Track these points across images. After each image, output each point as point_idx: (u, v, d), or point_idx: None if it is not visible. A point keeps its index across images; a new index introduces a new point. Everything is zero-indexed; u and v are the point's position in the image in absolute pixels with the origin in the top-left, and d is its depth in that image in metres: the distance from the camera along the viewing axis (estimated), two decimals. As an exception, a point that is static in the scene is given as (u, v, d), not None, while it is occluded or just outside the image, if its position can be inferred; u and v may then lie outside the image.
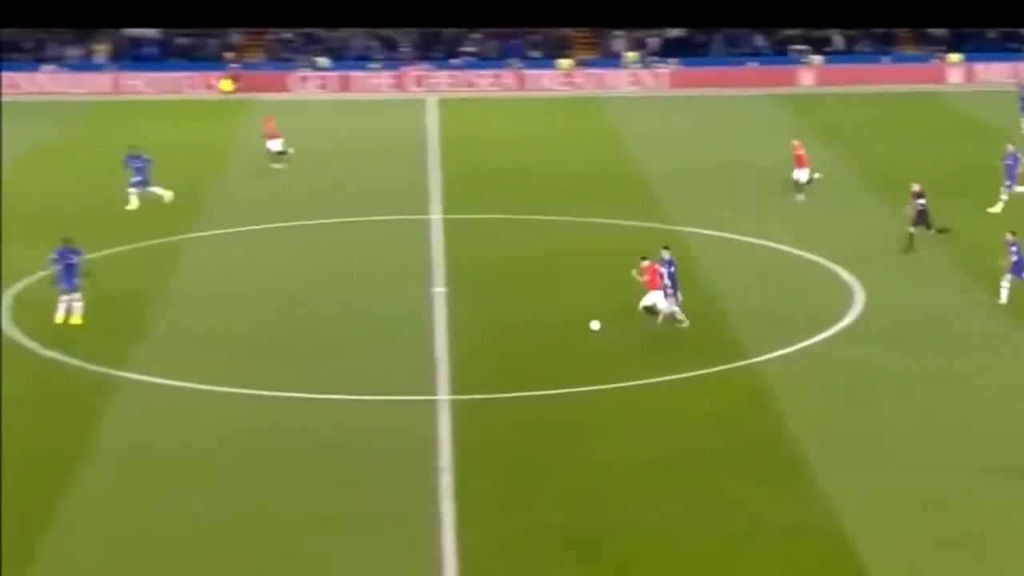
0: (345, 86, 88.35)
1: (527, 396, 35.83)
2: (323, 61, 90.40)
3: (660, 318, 40.34)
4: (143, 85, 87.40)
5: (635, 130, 73.71)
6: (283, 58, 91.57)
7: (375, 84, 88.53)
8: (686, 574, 27.17)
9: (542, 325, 40.48)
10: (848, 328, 40.94)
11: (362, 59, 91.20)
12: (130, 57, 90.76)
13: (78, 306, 41.11)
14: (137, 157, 55.72)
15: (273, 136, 63.16)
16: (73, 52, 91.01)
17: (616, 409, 35.15)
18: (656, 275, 40.36)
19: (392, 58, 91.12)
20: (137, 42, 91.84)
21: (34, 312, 41.90)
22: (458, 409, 34.99)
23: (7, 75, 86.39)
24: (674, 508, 29.60)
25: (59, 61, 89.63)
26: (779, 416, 34.45)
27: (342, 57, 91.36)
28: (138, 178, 55.17)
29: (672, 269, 40.54)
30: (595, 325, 39.57)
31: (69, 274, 41.11)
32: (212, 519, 29.34)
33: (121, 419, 34.68)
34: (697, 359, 38.15)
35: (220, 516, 29.49)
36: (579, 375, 37.09)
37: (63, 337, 39.87)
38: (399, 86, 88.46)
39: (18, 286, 44.27)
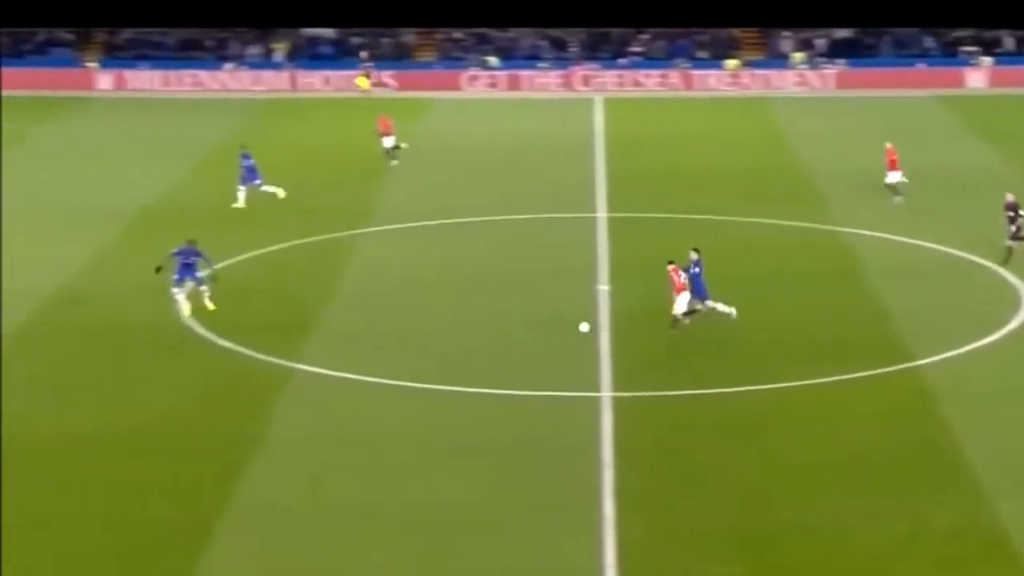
0: (514, 85, 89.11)
1: (689, 394, 36.09)
2: (493, 60, 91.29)
3: (684, 318, 40.50)
4: (319, 83, 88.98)
5: (800, 131, 73.52)
6: (454, 57, 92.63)
7: (543, 83, 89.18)
8: (851, 575, 27.31)
9: (705, 324, 40.68)
10: (1014, 332, 40.62)
11: (531, 58, 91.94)
12: (307, 56, 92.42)
13: (206, 295, 42.18)
14: (248, 156, 56.45)
15: (387, 133, 64.38)
16: (253, 51, 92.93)
17: (780, 409, 35.26)
18: (679, 278, 40.48)
19: (560, 58, 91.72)
20: (314, 41, 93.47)
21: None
22: (620, 406, 35.35)
23: (190, 72, 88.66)
24: (839, 508, 29.65)
25: (240, 59, 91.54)
26: (944, 418, 34.32)
27: (511, 57, 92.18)
28: (256, 180, 55.98)
29: (698, 271, 40.68)
30: (584, 327, 39.81)
31: (187, 271, 42.11)
32: (377, 509, 29.97)
33: (292, 409, 35.50)
34: (862, 360, 38.11)
35: (385, 506, 30.10)
36: (742, 374, 37.26)
37: (238, 328, 40.82)
38: (567, 85, 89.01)
39: (195, 278, 45.51)
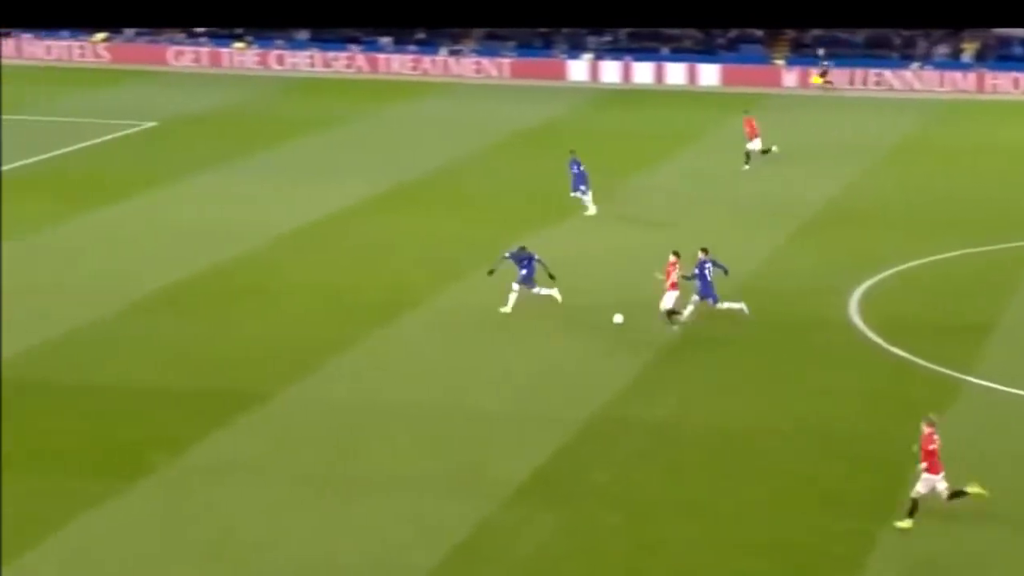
0: None
1: None
2: None
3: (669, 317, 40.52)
4: (1008, 85, 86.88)
5: None
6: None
7: None
8: None
9: None
10: None
11: None
12: (997, 57, 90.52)
13: (553, 291, 42.73)
14: (577, 163, 55.35)
15: (753, 136, 63.26)
16: (941, 50, 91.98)
17: None
18: (673, 275, 39.99)
19: None
20: (1005, 42, 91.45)
21: (881, 308, 42.95)
22: None
23: (876, 71, 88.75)
24: None
25: (926, 59, 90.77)
26: None
27: None
28: (582, 187, 54.80)
29: (703, 271, 40.53)
30: (618, 318, 40.18)
31: (526, 269, 42.64)
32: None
33: (960, 423, 34.60)
34: None
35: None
36: None
37: (908, 334, 40.56)
38: None
39: (869, 282, 45.41)
